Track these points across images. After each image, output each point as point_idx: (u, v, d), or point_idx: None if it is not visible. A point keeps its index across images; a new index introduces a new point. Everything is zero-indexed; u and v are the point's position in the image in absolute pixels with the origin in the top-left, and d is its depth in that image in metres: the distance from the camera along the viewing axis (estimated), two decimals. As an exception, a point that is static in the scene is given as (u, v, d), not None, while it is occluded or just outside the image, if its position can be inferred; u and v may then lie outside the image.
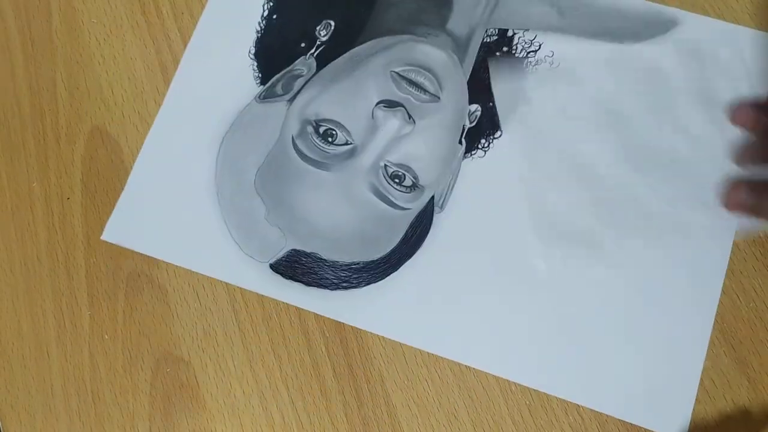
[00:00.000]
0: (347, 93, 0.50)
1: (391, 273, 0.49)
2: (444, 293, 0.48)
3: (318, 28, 0.53)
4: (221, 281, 0.50)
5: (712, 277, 0.47)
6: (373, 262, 0.49)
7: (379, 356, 0.48)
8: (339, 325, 0.49)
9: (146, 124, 0.53)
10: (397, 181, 0.48)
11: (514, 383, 0.47)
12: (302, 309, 0.49)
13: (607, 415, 0.46)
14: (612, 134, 0.50)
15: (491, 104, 0.51)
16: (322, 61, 0.52)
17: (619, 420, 0.46)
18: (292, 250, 0.49)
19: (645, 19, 0.52)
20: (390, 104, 0.48)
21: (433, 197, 0.50)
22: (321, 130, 0.48)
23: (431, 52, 0.50)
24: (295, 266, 0.49)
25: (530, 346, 0.47)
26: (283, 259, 0.49)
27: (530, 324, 0.48)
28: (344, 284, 0.49)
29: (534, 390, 0.47)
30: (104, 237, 0.51)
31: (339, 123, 0.48)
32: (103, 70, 0.55)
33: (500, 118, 0.50)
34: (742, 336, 0.47)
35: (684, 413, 0.45)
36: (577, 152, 0.50)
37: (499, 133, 0.51)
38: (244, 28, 0.54)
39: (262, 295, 0.49)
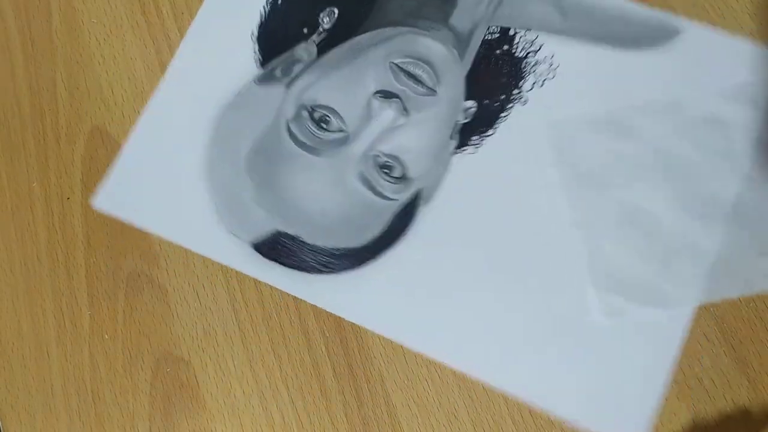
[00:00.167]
0: (345, 81, 0.50)
1: (370, 262, 0.49)
2: (423, 287, 0.49)
3: (321, 15, 0.53)
4: (221, 282, 0.50)
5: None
6: (353, 249, 0.49)
7: (379, 356, 0.48)
8: (339, 325, 0.49)
9: (146, 124, 0.53)
10: (386, 171, 0.49)
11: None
12: (302, 308, 0.49)
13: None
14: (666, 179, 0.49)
15: (487, 101, 0.51)
16: (323, 48, 0.52)
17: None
18: (275, 231, 0.49)
19: (647, 26, 0.51)
20: (386, 95, 0.49)
21: (420, 190, 0.50)
22: (316, 115, 0.49)
23: (432, 46, 0.50)
24: (277, 247, 0.49)
25: (494, 344, 0.47)
26: (266, 239, 0.50)
27: (507, 325, 0.48)
28: (323, 269, 0.49)
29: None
30: (96, 204, 0.51)
31: (334, 110, 0.49)
32: (103, 70, 0.55)
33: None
34: (742, 336, 0.47)
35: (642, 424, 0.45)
36: (629, 197, 0.49)
37: (491, 131, 0.51)
38: (247, 11, 0.55)
39: (262, 295, 0.49)
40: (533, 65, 0.52)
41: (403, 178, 0.49)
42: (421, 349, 0.48)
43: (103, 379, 0.49)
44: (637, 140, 0.49)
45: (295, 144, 0.49)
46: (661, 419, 0.45)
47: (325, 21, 0.53)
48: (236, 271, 0.50)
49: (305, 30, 0.53)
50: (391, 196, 0.49)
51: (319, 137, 0.49)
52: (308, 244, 0.49)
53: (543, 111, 0.51)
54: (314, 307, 0.49)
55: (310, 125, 0.49)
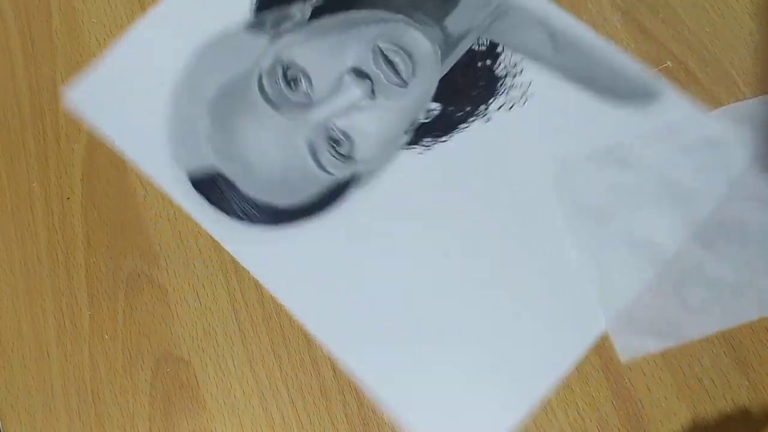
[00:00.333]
0: (327, 50, 0.51)
1: (287, 225, 0.50)
2: (331, 267, 0.49)
3: None
4: (221, 282, 0.50)
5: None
6: (276, 207, 0.50)
7: (379, 356, 0.48)
8: (339, 325, 0.49)
9: (146, 124, 0.53)
10: (333, 145, 0.50)
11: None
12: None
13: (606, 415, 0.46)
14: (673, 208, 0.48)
15: (452, 108, 0.51)
16: (317, 13, 0.53)
17: None
18: (214, 170, 0.51)
19: (630, 82, 0.51)
20: (360, 74, 0.50)
21: (358, 173, 0.51)
22: (289, 74, 0.50)
23: (419, 40, 0.51)
24: (210, 185, 0.51)
25: (379, 344, 0.48)
26: (203, 175, 0.51)
27: (394, 327, 0.48)
28: (243, 217, 0.51)
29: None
30: (66, 100, 0.54)
31: (307, 74, 0.50)
32: (103, 70, 0.55)
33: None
34: (742, 336, 0.47)
35: None
36: (634, 228, 0.48)
37: (446, 138, 0.51)
38: None
39: (262, 296, 0.49)
40: (508, 87, 0.52)
41: (346, 157, 0.50)
42: (310, 327, 0.48)
43: (103, 379, 0.49)
44: (637, 169, 0.49)
45: (261, 95, 0.51)
46: (662, 419, 0.45)
47: None
48: (236, 272, 0.50)
49: None
50: (329, 170, 0.50)
51: (284, 95, 0.50)
52: (239, 191, 0.51)
53: (502, 134, 0.51)
54: (314, 307, 0.49)
55: (280, 81, 0.50)
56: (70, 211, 0.52)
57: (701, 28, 0.53)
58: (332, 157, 0.50)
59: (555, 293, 0.48)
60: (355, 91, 0.49)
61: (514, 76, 0.52)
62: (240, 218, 0.51)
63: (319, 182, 0.50)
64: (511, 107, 0.51)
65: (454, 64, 0.52)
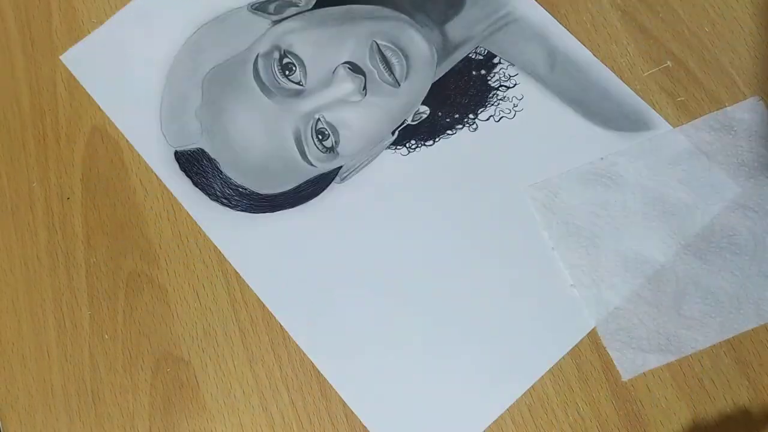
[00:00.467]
0: (325, 40, 0.51)
1: (266, 212, 0.50)
2: (306, 259, 0.49)
3: None
4: (221, 282, 0.50)
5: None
6: (258, 194, 0.51)
7: (379, 356, 0.48)
8: (339, 325, 0.49)
9: (146, 124, 0.53)
10: (319, 137, 0.50)
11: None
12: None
13: (606, 415, 0.46)
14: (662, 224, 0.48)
15: (440, 113, 0.51)
16: (321, 2, 0.54)
17: None
18: (199, 149, 0.51)
19: (623, 110, 0.51)
20: (354, 68, 0.50)
21: (340, 168, 0.51)
22: (284, 60, 0.51)
23: (417, 41, 0.51)
24: (195, 164, 0.51)
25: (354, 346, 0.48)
26: (189, 152, 0.52)
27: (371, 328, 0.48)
28: (223, 200, 0.51)
29: (533, 390, 0.46)
30: (64, 59, 0.54)
31: (303, 62, 0.51)
32: (103, 70, 0.55)
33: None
34: (742, 336, 0.47)
35: None
36: (625, 246, 0.48)
37: (431, 142, 0.51)
38: None
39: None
40: (499, 99, 0.52)
41: (331, 150, 0.50)
42: (282, 319, 0.49)
43: (103, 379, 0.49)
44: (623, 186, 0.49)
45: (254, 79, 0.51)
46: (662, 419, 0.45)
47: None
48: (236, 272, 0.50)
49: None
50: (313, 162, 0.50)
51: (277, 81, 0.51)
52: (221, 173, 0.51)
53: (488, 144, 0.51)
54: (314, 307, 0.49)
55: (275, 67, 0.51)
56: (70, 211, 0.52)
57: (701, 28, 0.53)
58: (317, 149, 0.50)
59: (531, 300, 0.48)
60: (347, 85, 0.50)
61: (507, 88, 0.52)
62: (221, 202, 0.51)
63: (301, 173, 0.51)
64: (500, 119, 0.51)
65: (450, 69, 0.52)
